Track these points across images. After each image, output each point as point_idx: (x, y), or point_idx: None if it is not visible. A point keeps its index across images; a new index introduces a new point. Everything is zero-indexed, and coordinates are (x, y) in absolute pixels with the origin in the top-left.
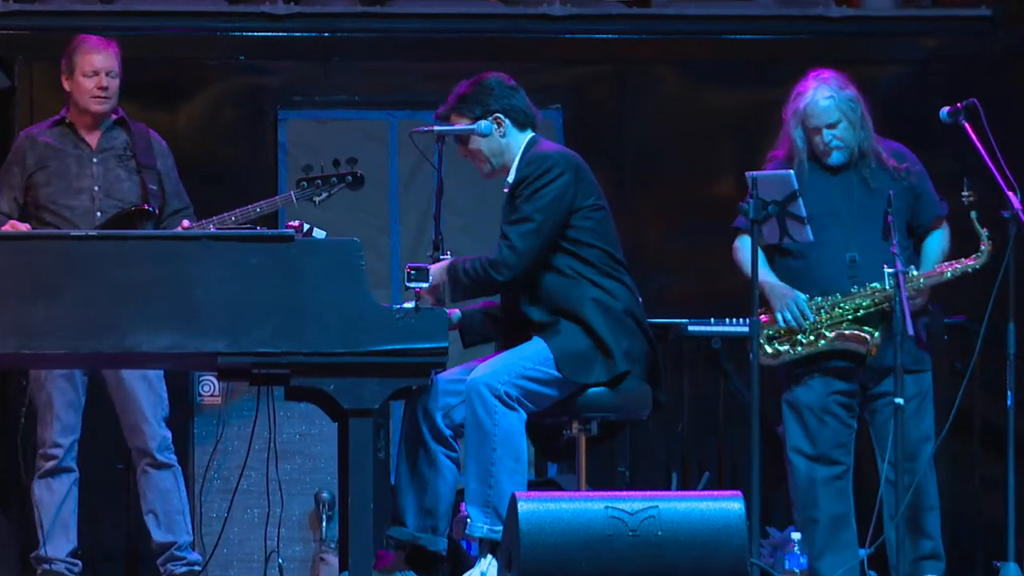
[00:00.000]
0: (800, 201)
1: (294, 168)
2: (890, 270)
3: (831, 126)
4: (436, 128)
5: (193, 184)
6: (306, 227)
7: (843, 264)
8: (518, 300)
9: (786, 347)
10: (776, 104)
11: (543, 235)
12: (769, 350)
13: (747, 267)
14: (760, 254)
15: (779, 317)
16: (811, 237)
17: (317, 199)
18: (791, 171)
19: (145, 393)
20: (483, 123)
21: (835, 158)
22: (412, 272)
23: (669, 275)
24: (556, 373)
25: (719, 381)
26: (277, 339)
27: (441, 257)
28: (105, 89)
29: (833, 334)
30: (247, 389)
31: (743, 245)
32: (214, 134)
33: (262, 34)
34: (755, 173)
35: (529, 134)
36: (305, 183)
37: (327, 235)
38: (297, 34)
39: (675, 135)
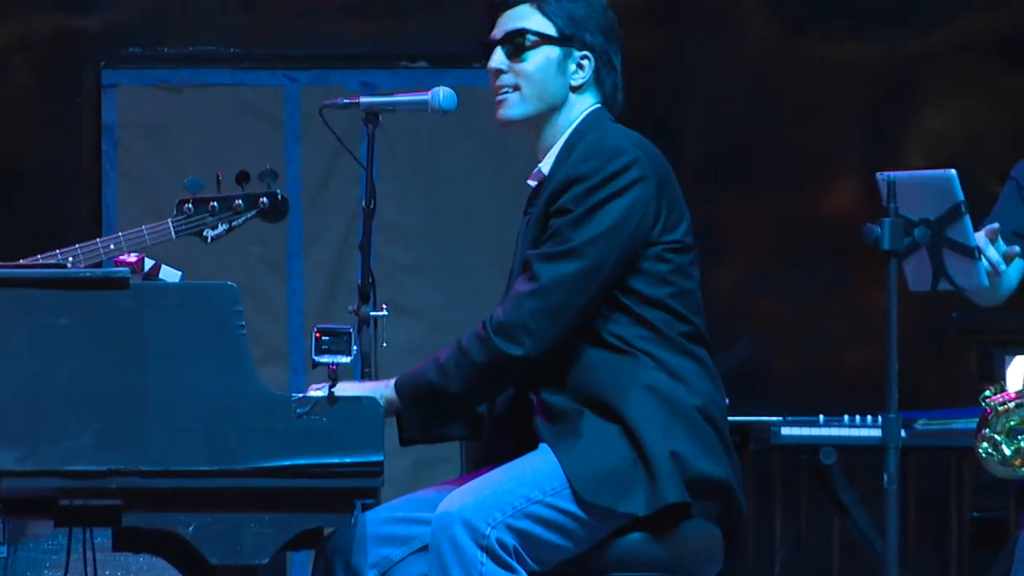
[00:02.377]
0: (966, 220)
1: (129, 167)
2: None
3: None
4: (364, 99)
5: None
6: (149, 263)
7: None
8: (530, 381)
9: None
10: (926, 60)
11: (598, 280)
12: (1008, 451)
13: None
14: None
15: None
16: (983, 281)
17: (210, 234)
18: (951, 171)
19: None
20: (444, 91)
21: None
22: (324, 339)
23: (750, 340)
24: (576, 508)
25: (832, 517)
26: (100, 450)
27: (371, 315)
28: None
29: None
30: (50, 532)
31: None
32: None
33: None
34: (893, 174)
35: (596, 106)
36: (191, 206)
37: (183, 277)
38: None
39: (764, 109)
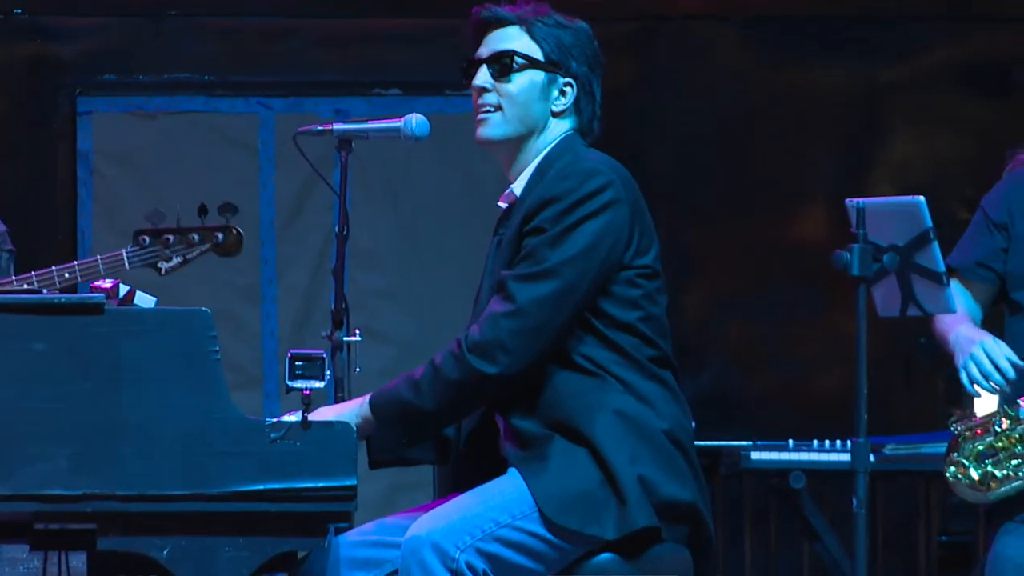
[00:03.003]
0: (935, 247)
1: (104, 193)
2: None
3: None
4: (337, 127)
5: None
6: (124, 289)
7: None
8: (498, 404)
9: (1006, 471)
10: (895, 90)
11: (574, 300)
12: (976, 475)
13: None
14: (972, 303)
15: (962, 376)
16: (953, 306)
17: (164, 265)
18: (920, 198)
19: None
20: (417, 118)
21: None
22: (298, 364)
23: (721, 366)
24: (544, 531)
25: (802, 541)
26: (75, 474)
27: (344, 340)
28: None
29: None
30: (25, 557)
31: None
32: None
33: None
34: (862, 201)
35: (570, 131)
36: (147, 238)
37: (158, 302)
38: None
39: (735, 136)
